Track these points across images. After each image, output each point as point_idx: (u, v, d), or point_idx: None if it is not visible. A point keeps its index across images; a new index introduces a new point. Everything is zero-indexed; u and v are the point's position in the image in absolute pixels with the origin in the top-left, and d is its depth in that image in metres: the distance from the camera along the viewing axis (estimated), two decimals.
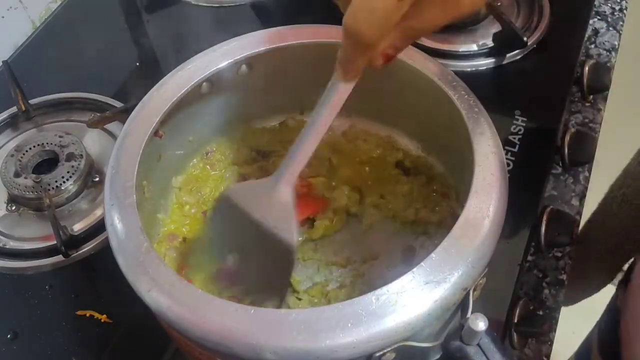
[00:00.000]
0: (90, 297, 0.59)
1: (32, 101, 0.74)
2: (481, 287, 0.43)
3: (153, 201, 0.54)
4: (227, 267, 0.50)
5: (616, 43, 0.79)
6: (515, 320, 0.55)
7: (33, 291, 0.59)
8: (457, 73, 0.51)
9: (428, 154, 0.59)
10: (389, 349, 0.38)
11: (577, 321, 0.96)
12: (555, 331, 0.57)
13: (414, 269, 0.39)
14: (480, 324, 0.36)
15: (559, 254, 0.61)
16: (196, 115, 0.56)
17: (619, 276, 0.82)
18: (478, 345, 0.37)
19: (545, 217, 0.61)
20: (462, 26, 0.77)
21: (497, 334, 0.39)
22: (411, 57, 0.52)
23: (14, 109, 0.73)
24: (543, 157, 0.66)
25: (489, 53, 0.75)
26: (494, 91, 0.74)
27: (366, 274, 0.55)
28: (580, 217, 0.65)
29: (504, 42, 0.74)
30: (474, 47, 0.75)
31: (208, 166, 0.60)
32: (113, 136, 0.71)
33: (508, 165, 0.64)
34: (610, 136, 0.89)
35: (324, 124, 0.43)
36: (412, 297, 0.38)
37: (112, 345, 0.55)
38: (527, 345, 0.55)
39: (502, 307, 0.55)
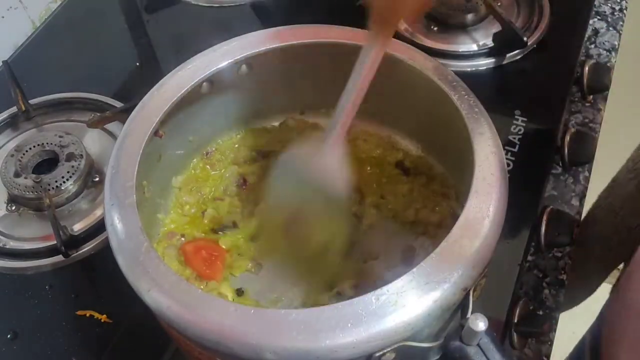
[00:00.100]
0: (90, 297, 0.59)
1: (32, 101, 0.74)
2: (481, 288, 0.43)
3: (153, 201, 0.54)
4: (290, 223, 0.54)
5: (616, 43, 0.79)
6: (515, 320, 0.54)
7: (33, 291, 0.59)
8: (457, 73, 0.51)
9: (428, 154, 0.59)
10: (389, 349, 0.38)
11: (577, 321, 0.96)
12: (555, 331, 0.57)
13: (414, 269, 0.39)
14: (480, 324, 0.36)
15: (559, 254, 0.61)
16: (196, 115, 0.56)
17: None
18: (478, 345, 0.37)
19: (545, 217, 0.61)
20: (462, 26, 0.77)
21: (497, 334, 0.39)
22: (411, 57, 0.52)
23: (14, 109, 0.73)
24: (543, 157, 0.66)
25: (489, 53, 0.75)
26: (494, 91, 0.74)
27: (366, 274, 0.55)
28: (580, 217, 0.65)
29: (504, 42, 0.74)
30: (474, 47, 0.75)
31: (208, 166, 0.60)
32: (113, 136, 0.71)
33: (508, 165, 0.64)
34: (610, 136, 0.88)
35: (364, 81, 0.46)
36: (412, 297, 0.38)
37: (112, 345, 0.55)
38: (527, 345, 0.55)
39: (502, 307, 0.55)
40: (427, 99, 0.51)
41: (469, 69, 0.74)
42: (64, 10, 0.88)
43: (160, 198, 0.56)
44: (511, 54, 0.75)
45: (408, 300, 0.38)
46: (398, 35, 0.77)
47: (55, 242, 0.60)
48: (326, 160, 0.49)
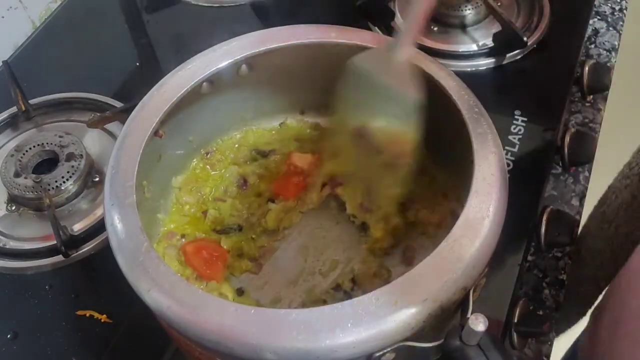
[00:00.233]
0: (90, 297, 0.59)
1: (32, 101, 0.74)
2: (481, 287, 0.43)
3: (153, 201, 0.54)
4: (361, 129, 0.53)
5: (616, 43, 0.79)
6: (515, 320, 0.54)
7: (33, 291, 0.59)
8: (457, 73, 0.51)
9: (428, 154, 0.59)
10: (389, 349, 0.38)
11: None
12: (555, 331, 0.57)
13: (414, 269, 0.39)
14: (480, 324, 0.36)
15: (559, 254, 0.61)
16: (196, 115, 0.56)
17: None
18: (478, 345, 0.37)
19: (545, 217, 0.61)
20: (462, 26, 0.77)
21: (497, 334, 0.39)
22: (411, 57, 0.52)
23: (14, 109, 0.73)
24: (543, 157, 0.66)
25: (489, 53, 0.75)
26: (494, 91, 0.74)
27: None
28: (580, 217, 0.65)
29: (504, 42, 0.74)
30: (474, 47, 0.75)
31: (208, 166, 0.60)
32: (113, 136, 0.71)
33: (508, 165, 0.64)
34: (610, 136, 0.89)
35: None
36: (412, 297, 0.38)
37: (112, 345, 0.55)
38: (527, 345, 0.55)
39: (502, 307, 0.55)
40: (427, 99, 0.51)
41: (469, 69, 0.74)
42: (64, 10, 0.88)
43: (160, 198, 0.56)
44: (511, 54, 0.75)
45: (408, 300, 0.38)
46: None
47: (55, 242, 0.60)
48: (399, 64, 0.49)
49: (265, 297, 0.54)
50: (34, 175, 0.65)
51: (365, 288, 0.53)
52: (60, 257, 0.60)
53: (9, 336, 0.56)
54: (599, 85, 0.73)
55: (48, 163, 0.67)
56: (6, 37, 0.83)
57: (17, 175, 0.65)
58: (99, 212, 0.64)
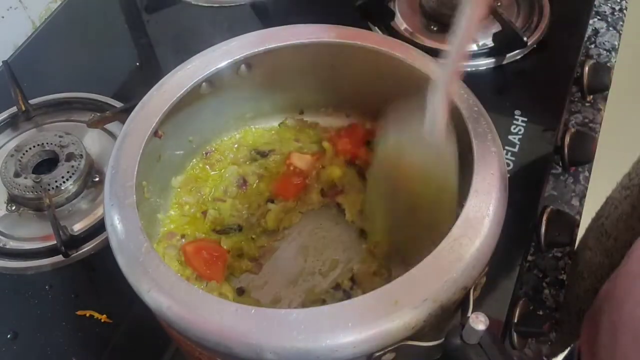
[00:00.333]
0: (90, 297, 0.59)
1: (32, 101, 0.74)
2: (481, 287, 0.43)
3: (153, 201, 0.54)
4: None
5: (616, 43, 0.79)
6: (515, 320, 0.54)
7: (33, 291, 0.59)
8: None
9: None
10: (389, 349, 0.38)
11: None
12: (555, 331, 0.57)
13: (414, 269, 0.39)
14: (481, 323, 0.36)
15: (559, 254, 0.61)
16: (196, 115, 0.56)
17: None
18: (479, 344, 0.37)
19: (545, 217, 0.61)
20: None
21: (497, 334, 0.39)
22: (411, 57, 0.52)
23: (14, 109, 0.73)
24: (543, 157, 0.66)
25: (489, 53, 0.75)
26: (494, 91, 0.74)
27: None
28: (580, 217, 0.65)
29: (504, 42, 0.74)
30: (473, 47, 0.75)
31: (208, 166, 0.60)
32: (113, 136, 0.71)
33: (508, 165, 0.64)
34: (610, 136, 0.88)
35: (471, 21, 0.42)
36: (412, 296, 0.38)
37: (112, 345, 0.55)
38: (527, 345, 0.55)
39: (502, 307, 0.55)
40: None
41: (469, 69, 0.74)
42: (64, 10, 0.88)
43: (160, 198, 0.56)
44: (511, 54, 0.75)
45: (408, 300, 0.38)
46: (397, 35, 0.77)
47: (55, 242, 0.60)
48: (438, 113, 0.46)
49: (265, 297, 0.54)
50: (34, 175, 0.65)
51: (365, 288, 0.53)
52: (60, 257, 0.60)
53: (9, 336, 0.56)
54: (599, 85, 0.73)
55: (48, 163, 0.67)
56: (6, 37, 0.83)
57: (17, 175, 0.65)
58: (99, 212, 0.64)
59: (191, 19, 0.85)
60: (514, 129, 0.68)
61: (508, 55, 0.75)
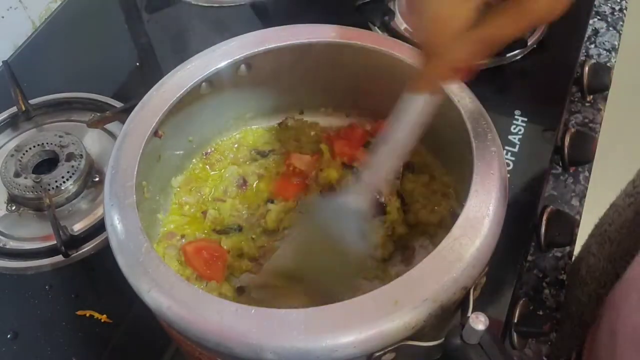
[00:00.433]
0: (90, 297, 0.59)
1: (32, 101, 0.74)
2: (481, 287, 0.43)
3: (153, 201, 0.54)
4: None
5: (616, 43, 0.79)
6: (515, 320, 0.54)
7: (33, 291, 0.59)
8: None
9: (428, 153, 0.59)
10: (389, 349, 0.38)
11: None
12: (555, 331, 0.57)
13: (414, 269, 0.39)
14: (481, 323, 0.36)
15: (559, 254, 0.61)
16: (196, 115, 0.56)
17: None
18: (479, 344, 0.37)
19: (545, 217, 0.61)
20: None
21: (497, 334, 0.39)
22: (411, 57, 0.52)
23: (14, 109, 0.73)
24: (543, 157, 0.66)
25: None
26: (494, 91, 0.74)
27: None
28: (580, 217, 0.65)
29: None
30: None
31: (208, 166, 0.60)
32: (113, 136, 0.71)
33: (508, 165, 0.64)
34: (610, 136, 0.89)
35: (408, 135, 0.43)
36: (412, 296, 0.38)
37: (112, 345, 0.55)
38: (527, 345, 0.55)
39: (502, 307, 0.55)
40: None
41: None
42: (64, 10, 0.88)
43: (160, 198, 0.56)
44: (511, 53, 0.75)
45: (408, 300, 0.38)
46: (398, 36, 0.77)
47: (55, 242, 0.60)
48: (353, 215, 0.46)
49: (265, 297, 0.54)
50: (34, 175, 0.65)
51: (365, 288, 0.53)
52: (60, 257, 0.60)
53: (9, 336, 0.56)
54: (599, 85, 0.73)
55: (48, 163, 0.67)
56: (6, 37, 0.83)
57: (17, 175, 0.65)
58: (99, 212, 0.64)
59: (191, 19, 0.85)
60: (514, 129, 0.68)
61: (508, 55, 0.75)
